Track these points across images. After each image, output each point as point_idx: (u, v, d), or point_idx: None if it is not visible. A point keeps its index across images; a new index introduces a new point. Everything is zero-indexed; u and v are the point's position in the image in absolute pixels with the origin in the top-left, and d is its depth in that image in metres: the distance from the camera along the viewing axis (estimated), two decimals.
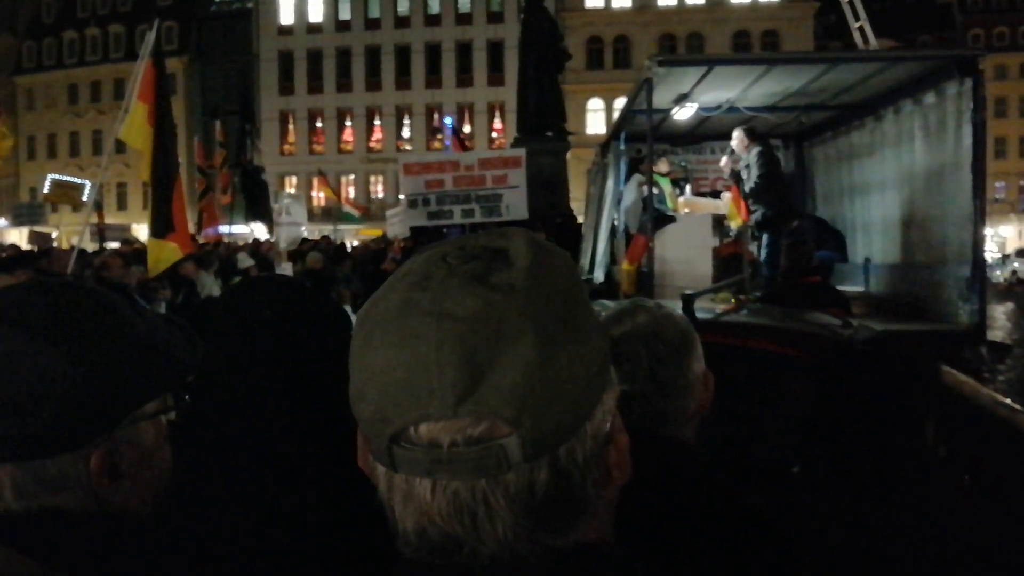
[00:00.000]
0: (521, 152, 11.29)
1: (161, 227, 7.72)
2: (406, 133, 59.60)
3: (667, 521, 1.34)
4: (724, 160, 10.04)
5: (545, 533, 0.77)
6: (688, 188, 12.22)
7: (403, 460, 0.76)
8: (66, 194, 22.05)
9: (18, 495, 1.03)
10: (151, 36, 7.89)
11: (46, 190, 22.29)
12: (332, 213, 38.05)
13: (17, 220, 26.57)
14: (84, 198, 22.14)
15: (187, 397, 1.18)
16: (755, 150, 9.54)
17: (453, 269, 0.78)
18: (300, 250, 13.65)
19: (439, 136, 57.18)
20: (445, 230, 15.62)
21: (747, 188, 9.57)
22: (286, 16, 60.05)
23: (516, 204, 10.98)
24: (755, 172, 9.49)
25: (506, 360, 0.73)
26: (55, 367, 1.01)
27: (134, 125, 7.62)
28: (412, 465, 0.75)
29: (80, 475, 1.04)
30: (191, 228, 10.97)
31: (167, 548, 1.17)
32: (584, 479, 0.78)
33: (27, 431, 1.00)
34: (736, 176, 10.22)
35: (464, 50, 58.25)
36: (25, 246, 18.43)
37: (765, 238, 9.79)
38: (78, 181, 23.65)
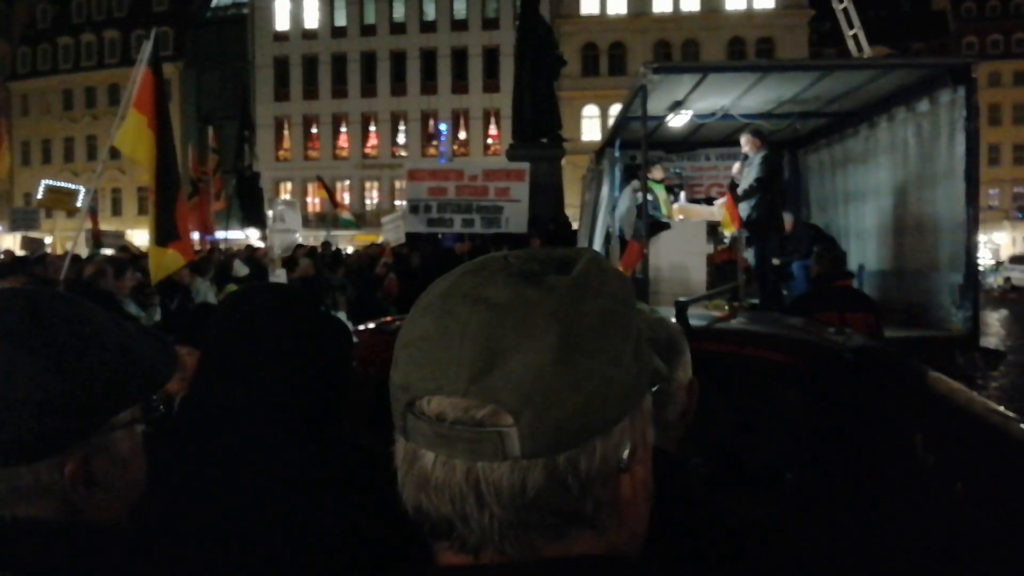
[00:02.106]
0: (525, 166, 11.26)
1: (164, 235, 7.69)
2: (401, 139, 59.61)
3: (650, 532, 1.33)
4: (737, 166, 10.05)
5: (533, 535, 0.77)
6: (683, 195, 12.25)
7: (413, 429, 0.78)
8: (60, 200, 21.98)
9: None
10: (148, 44, 7.86)
11: (39, 196, 22.24)
12: (327, 219, 37.94)
13: (13, 225, 26.50)
14: (78, 204, 22.10)
15: (162, 407, 1.18)
16: (761, 153, 9.56)
17: (509, 265, 0.82)
18: (294, 257, 13.62)
19: (434, 143, 57.19)
20: (440, 236, 15.63)
21: (741, 188, 9.59)
22: (282, 22, 60.07)
23: (517, 218, 10.97)
24: (753, 174, 9.51)
25: (522, 352, 0.74)
26: (31, 374, 1.02)
27: (128, 133, 7.58)
28: (419, 436, 0.78)
29: (55, 483, 1.04)
30: (193, 235, 10.96)
31: (142, 556, 1.17)
32: (584, 495, 0.77)
33: (3, 437, 1.00)
34: (732, 182, 10.25)
35: (460, 56, 58.29)
36: (18, 252, 18.39)
37: (752, 243, 9.80)
38: (72, 187, 23.55)
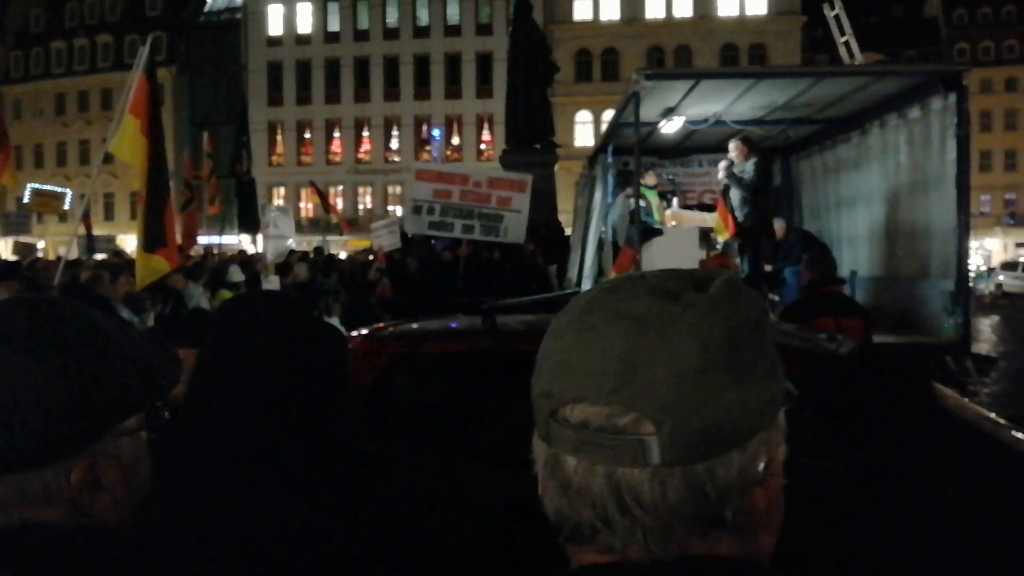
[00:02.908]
0: (528, 178, 11.24)
1: (152, 241, 7.68)
2: (395, 144, 59.60)
3: None
4: (722, 170, 10.05)
5: (677, 535, 0.81)
6: (675, 201, 12.27)
7: (557, 436, 0.82)
8: (47, 203, 21.98)
9: (0, 509, 1.04)
10: (144, 51, 7.84)
11: (26, 199, 22.23)
12: (320, 224, 37.88)
13: (5, 230, 26.45)
14: (66, 207, 22.05)
15: (167, 414, 1.19)
16: (753, 159, 9.59)
17: (648, 283, 0.85)
18: (288, 263, 13.59)
19: (428, 148, 57.17)
20: (433, 241, 15.62)
21: (738, 195, 9.59)
22: (275, 27, 60.04)
23: (515, 228, 10.95)
24: (747, 181, 9.51)
25: (663, 363, 0.78)
26: (39, 381, 1.03)
27: (125, 138, 7.57)
28: (563, 441, 0.81)
29: (62, 488, 1.05)
30: (177, 240, 10.94)
31: (147, 561, 1.17)
32: (722, 503, 0.80)
33: (11, 443, 1.01)
34: (725, 189, 10.28)
35: (453, 62, 58.33)
36: (10, 257, 18.33)
37: (744, 248, 9.82)
38: (59, 190, 23.54)
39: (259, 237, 16.98)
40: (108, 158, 8.59)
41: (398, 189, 58.57)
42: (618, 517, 0.79)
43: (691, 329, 0.79)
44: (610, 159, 11.71)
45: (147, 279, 7.89)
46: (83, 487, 1.06)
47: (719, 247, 11.09)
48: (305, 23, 59.85)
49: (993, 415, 3.45)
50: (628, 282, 0.86)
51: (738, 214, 9.47)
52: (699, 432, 0.78)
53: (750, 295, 0.87)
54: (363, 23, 59.32)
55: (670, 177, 12.87)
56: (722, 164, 10.13)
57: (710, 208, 11.59)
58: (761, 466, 0.83)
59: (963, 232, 7.86)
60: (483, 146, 57.43)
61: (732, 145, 9.81)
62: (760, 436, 0.83)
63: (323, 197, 26.37)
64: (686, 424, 0.77)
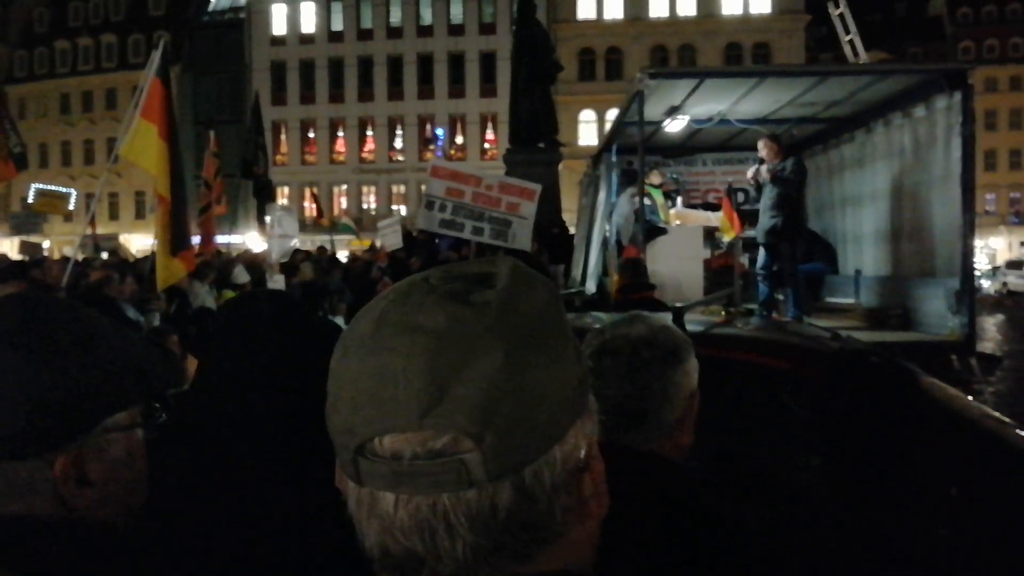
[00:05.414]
0: (538, 188, 11.26)
1: (177, 245, 7.67)
2: (398, 144, 59.61)
3: (643, 536, 1.33)
4: (751, 171, 9.70)
5: (506, 558, 0.76)
6: (680, 200, 12.27)
7: (367, 473, 0.76)
8: (52, 203, 22.06)
9: None
10: (156, 54, 7.80)
11: (31, 200, 22.30)
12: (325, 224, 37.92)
13: (15, 230, 26.52)
14: (70, 207, 22.09)
15: (164, 415, 1.20)
16: (792, 159, 9.22)
17: (433, 288, 0.79)
18: (292, 262, 13.60)
19: (431, 147, 57.16)
20: (437, 240, 15.63)
21: (776, 194, 9.17)
22: (279, 26, 60.06)
23: (522, 235, 10.94)
24: (791, 180, 9.05)
25: (472, 374, 0.73)
26: (25, 375, 1.05)
27: (136, 142, 7.52)
28: (376, 478, 0.75)
29: (46, 480, 1.07)
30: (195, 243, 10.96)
31: (143, 556, 1.19)
32: (552, 504, 0.77)
33: None
34: (730, 188, 10.24)
35: (456, 61, 58.32)
36: (15, 256, 18.36)
37: (767, 249, 9.45)
38: (63, 190, 23.64)
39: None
40: (116, 158, 8.58)
41: (402, 188, 58.58)
42: (448, 544, 0.74)
43: (491, 331, 0.75)
44: (614, 158, 11.72)
45: (168, 282, 7.90)
46: (67, 480, 1.08)
47: (723, 246, 11.08)
48: (309, 22, 59.88)
49: (997, 414, 3.44)
50: (414, 291, 0.79)
51: (774, 214, 9.05)
52: (522, 436, 0.74)
53: (538, 278, 0.83)
54: (367, 22, 59.33)
55: (674, 176, 12.86)
56: (751, 171, 9.70)
57: (715, 207, 11.59)
58: (583, 453, 0.79)
59: (968, 231, 7.85)
60: (487, 145, 57.41)
61: (761, 143, 9.48)
62: (577, 423, 0.79)
63: (320, 210, 26.48)
64: (509, 432, 0.73)
